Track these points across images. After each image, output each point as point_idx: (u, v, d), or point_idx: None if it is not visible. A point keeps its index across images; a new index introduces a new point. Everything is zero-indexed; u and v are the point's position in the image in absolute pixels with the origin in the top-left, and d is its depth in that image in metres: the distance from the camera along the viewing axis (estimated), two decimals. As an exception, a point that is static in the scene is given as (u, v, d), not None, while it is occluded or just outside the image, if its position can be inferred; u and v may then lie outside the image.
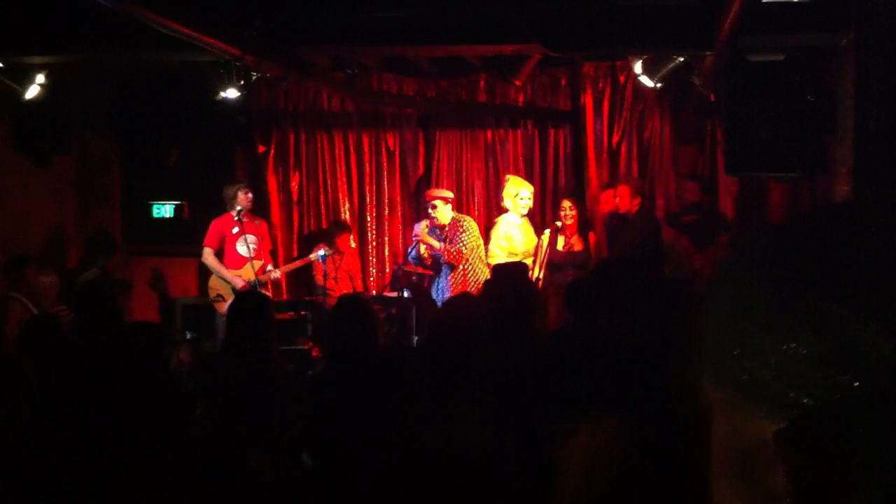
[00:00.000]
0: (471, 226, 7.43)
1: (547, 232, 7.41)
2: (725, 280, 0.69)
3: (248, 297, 5.54)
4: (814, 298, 0.63)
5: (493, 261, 7.21)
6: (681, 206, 7.99)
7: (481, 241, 7.52)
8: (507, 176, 7.78)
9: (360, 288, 8.41)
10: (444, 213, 7.42)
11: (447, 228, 7.41)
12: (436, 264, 7.54)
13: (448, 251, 7.28)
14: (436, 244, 7.34)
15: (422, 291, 7.46)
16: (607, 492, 1.73)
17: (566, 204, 7.63)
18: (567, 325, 4.11)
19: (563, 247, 7.49)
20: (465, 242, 7.28)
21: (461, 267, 7.33)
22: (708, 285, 0.71)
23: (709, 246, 7.28)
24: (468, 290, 7.11)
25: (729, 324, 0.67)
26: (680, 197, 8.18)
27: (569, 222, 7.51)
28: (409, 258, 7.66)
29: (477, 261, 7.33)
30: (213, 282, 7.64)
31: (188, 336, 6.00)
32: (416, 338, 7.17)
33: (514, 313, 4.03)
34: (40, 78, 7.12)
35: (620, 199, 7.43)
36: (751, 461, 0.66)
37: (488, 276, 7.16)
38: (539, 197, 8.67)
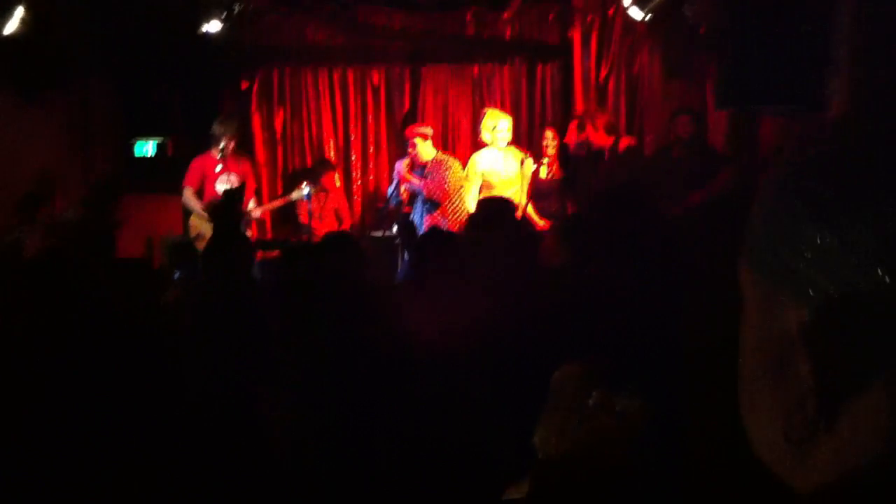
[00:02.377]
0: (454, 165, 7.29)
1: (530, 162, 7.34)
2: (782, 174, 0.69)
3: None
4: (872, 192, 0.62)
5: (468, 195, 7.18)
6: (671, 141, 7.89)
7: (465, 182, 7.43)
8: (485, 109, 7.65)
9: (347, 227, 8.33)
10: (424, 150, 7.26)
11: (429, 166, 7.24)
12: (412, 202, 7.42)
13: (428, 187, 7.14)
14: (415, 181, 7.23)
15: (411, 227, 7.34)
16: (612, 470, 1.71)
17: (548, 133, 7.61)
18: (566, 265, 4.04)
19: (547, 175, 7.49)
20: (447, 180, 7.15)
21: (445, 205, 7.22)
22: (764, 182, 0.71)
23: (706, 181, 7.17)
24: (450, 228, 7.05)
25: (774, 212, 0.68)
26: (671, 131, 8.08)
27: (551, 151, 7.50)
28: (389, 198, 7.51)
29: (458, 200, 7.25)
30: (194, 220, 7.59)
31: (176, 275, 5.93)
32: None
33: (513, 248, 3.98)
34: (19, 11, 6.90)
35: (590, 136, 7.30)
36: (783, 352, 0.66)
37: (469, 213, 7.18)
38: (527, 132, 8.59)
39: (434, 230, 5.16)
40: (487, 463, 2.38)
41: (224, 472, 2.55)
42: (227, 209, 4.38)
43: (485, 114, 7.47)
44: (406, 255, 6.96)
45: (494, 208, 4.84)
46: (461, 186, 7.25)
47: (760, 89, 5.85)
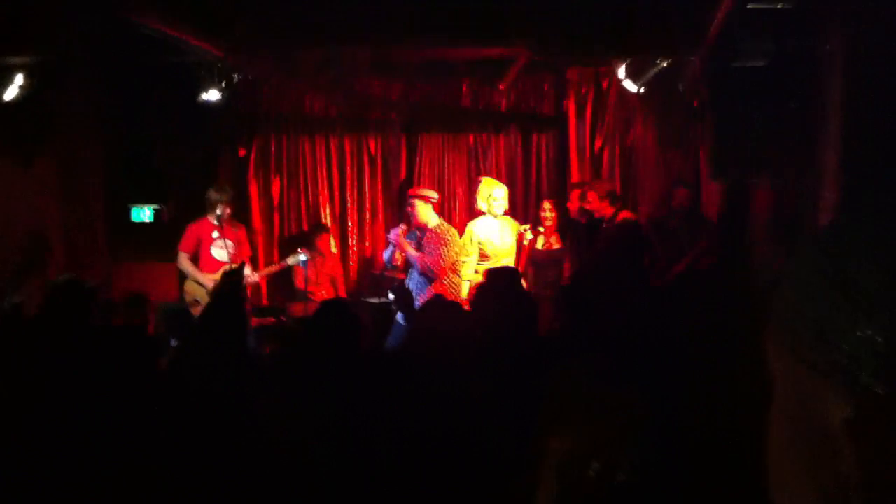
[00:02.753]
0: (452, 238, 7.10)
1: (528, 233, 7.36)
2: (821, 254, 0.66)
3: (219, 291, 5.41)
4: None
5: (465, 266, 7.13)
6: (668, 211, 7.97)
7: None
8: (481, 178, 7.68)
9: (342, 292, 8.34)
10: (423, 212, 7.05)
11: (427, 236, 7.08)
12: (407, 269, 7.34)
13: (423, 261, 6.97)
14: (412, 252, 7.06)
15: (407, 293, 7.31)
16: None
17: (546, 205, 7.64)
18: (564, 328, 4.05)
19: (543, 246, 7.53)
20: (444, 256, 7.00)
21: (441, 279, 7.14)
22: (798, 259, 0.69)
23: (690, 251, 7.26)
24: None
25: (810, 298, 0.65)
26: (668, 202, 8.15)
27: (548, 223, 7.53)
28: (385, 263, 7.43)
29: (454, 275, 7.16)
30: (189, 286, 7.58)
31: (173, 343, 5.92)
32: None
33: (515, 318, 3.98)
34: (19, 79, 7.01)
35: (591, 205, 7.38)
36: (823, 446, 0.64)
37: (465, 289, 7.16)
38: (522, 202, 8.66)
39: (439, 298, 5.14)
40: (489, 467, 2.37)
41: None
42: (226, 287, 4.41)
43: (480, 182, 7.51)
44: (401, 319, 6.94)
45: (503, 279, 4.86)
46: (457, 261, 7.15)
47: (751, 161, 5.94)
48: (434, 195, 7.25)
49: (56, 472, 2.79)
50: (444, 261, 6.98)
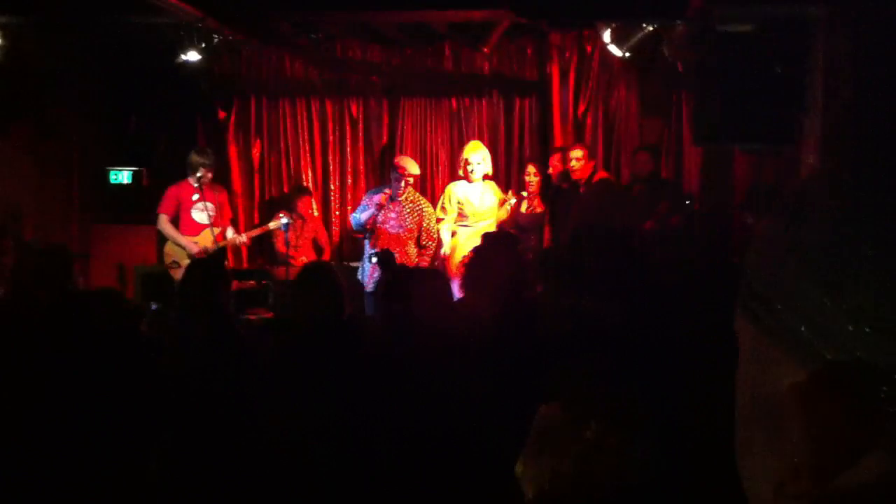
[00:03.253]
0: (430, 209, 7.33)
1: (512, 198, 7.43)
2: (779, 219, 0.66)
3: (200, 263, 5.36)
4: (872, 250, 0.59)
5: (442, 225, 7.23)
6: (631, 177, 7.99)
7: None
8: (466, 145, 7.70)
9: (327, 256, 8.30)
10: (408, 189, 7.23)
11: (406, 204, 7.18)
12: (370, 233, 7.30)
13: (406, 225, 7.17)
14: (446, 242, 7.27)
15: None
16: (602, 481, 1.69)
17: (531, 169, 7.68)
18: (541, 295, 4.05)
19: (527, 210, 7.53)
20: (426, 220, 7.24)
21: (426, 245, 7.26)
22: (762, 226, 0.69)
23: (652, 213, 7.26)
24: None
25: (770, 265, 0.64)
26: (630, 168, 8.16)
27: (532, 188, 7.54)
28: (356, 220, 7.27)
29: (434, 241, 7.31)
30: (169, 248, 7.54)
31: (153, 307, 5.88)
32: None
33: (514, 283, 3.98)
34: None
35: (579, 161, 7.38)
36: (778, 412, 0.63)
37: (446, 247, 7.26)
38: (504, 166, 8.63)
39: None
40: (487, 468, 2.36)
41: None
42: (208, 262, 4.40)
43: (465, 147, 7.54)
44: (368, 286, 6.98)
45: (498, 241, 4.85)
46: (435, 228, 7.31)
47: (735, 127, 5.92)
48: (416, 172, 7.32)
49: (38, 442, 2.76)
50: (429, 226, 7.23)
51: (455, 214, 7.33)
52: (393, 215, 7.12)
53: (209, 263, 4.67)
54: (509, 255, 4.27)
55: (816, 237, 0.61)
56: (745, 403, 0.68)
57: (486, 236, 5.07)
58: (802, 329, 0.60)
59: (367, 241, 7.23)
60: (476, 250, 4.41)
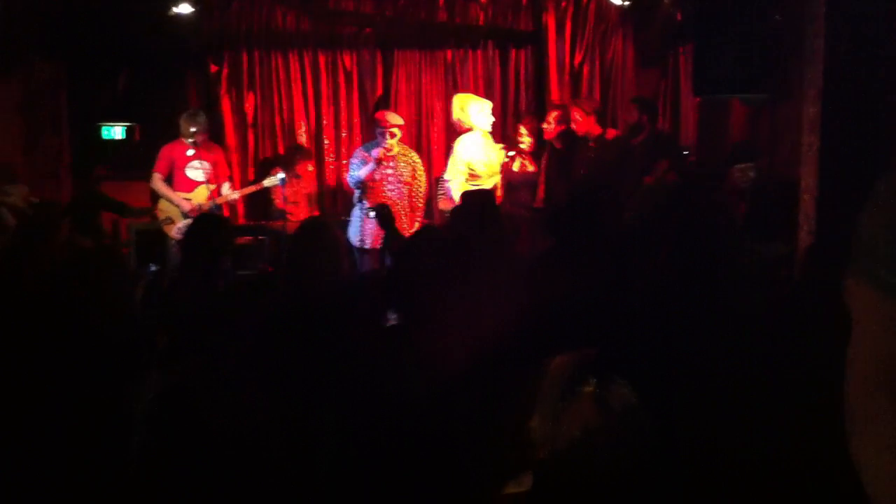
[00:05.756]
0: (421, 170, 7.33)
1: (503, 154, 7.39)
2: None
3: (202, 220, 5.29)
4: None
5: (455, 184, 7.11)
6: (625, 129, 7.91)
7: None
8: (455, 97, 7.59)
9: (318, 211, 8.27)
10: (397, 144, 7.16)
11: (400, 159, 7.15)
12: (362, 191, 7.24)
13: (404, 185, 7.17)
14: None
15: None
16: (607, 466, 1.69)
17: (523, 129, 7.54)
18: (549, 255, 4.02)
19: (519, 168, 7.48)
20: (418, 179, 7.24)
21: (415, 203, 7.24)
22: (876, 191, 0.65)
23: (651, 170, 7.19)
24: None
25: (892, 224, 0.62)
26: (625, 120, 8.08)
27: (524, 147, 7.45)
28: (354, 178, 7.16)
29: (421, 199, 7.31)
30: (163, 204, 7.51)
31: (152, 269, 5.85)
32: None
33: (488, 238, 3.97)
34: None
35: (578, 122, 7.27)
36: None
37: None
38: (500, 118, 8.55)
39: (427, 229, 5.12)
40: (459, 455, 2.35)
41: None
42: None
43: (463, 99, 7.43)
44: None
45: (478, 202, 4.82)
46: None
47: (734, 78, 5.88)
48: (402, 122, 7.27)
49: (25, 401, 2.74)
50: (420, 185, 7.26)
51: (466, 175, 7.20)
52: (390, 171, 7.07)
53: (212, 223, 4.60)
54: (492, 218, 4.26)
55: None
56: (867, 372, 0.65)
57: (465, 196, 5.07)
58: None
59: (359, 199, 7.14)
60: (454, 212, 4.39)
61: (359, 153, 7.24)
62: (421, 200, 7.24)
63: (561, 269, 3.48)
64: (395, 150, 7.08)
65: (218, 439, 1.74)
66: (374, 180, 7.04)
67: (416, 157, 7.30)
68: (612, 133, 7.34)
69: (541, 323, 2.85)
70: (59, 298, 3.31)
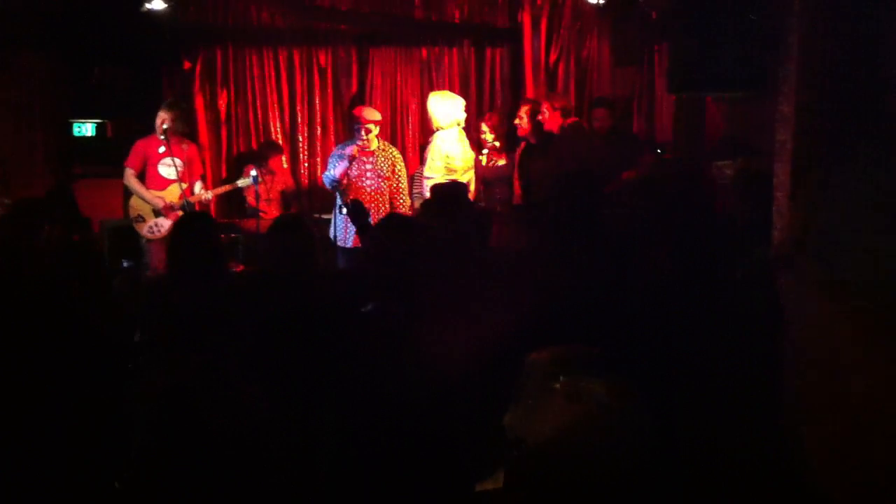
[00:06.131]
0: (401, 165, 7.23)
1: (485, 151, 7.41)
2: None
3: (196, 217, 5.20)
4: None
5: (430, 183, 7.06)
6: (589, 132, 7.89)
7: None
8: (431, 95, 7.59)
9: (295, 207, 8.20)
10: (374, 139, 7.11)
11: (379, 154, 7.08)
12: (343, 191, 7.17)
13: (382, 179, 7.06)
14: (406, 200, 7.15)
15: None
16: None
17: (484, 126, 7.56)
18: (530, 250, 3.99)
19: (487, 163, 7.48)
20: (398, 174, 7.14)
21: (396, 198, 7.15)
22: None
23: (632, 167, 7.19)
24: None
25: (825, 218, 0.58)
26: (590, 125, 8.06)
27: (489, 145, 7.49)
28: (329, 178, 7.09)
29: (405, 194, 7.22)
30: (134, 201, 7.41)
31: (125, 264, 5.78)
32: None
33: (458, 230, 3.94)
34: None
35: (544, 115, 7.30)
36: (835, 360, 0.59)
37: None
38: (475, 117, 8.53)
39: (393, 216, 5.06)
40: (457, 454, 2.33)
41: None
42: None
43: (441, 98, 7.44)
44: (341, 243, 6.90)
45: (449, 193, 4.79)
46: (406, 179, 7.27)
47: (710, 75, 5.87)
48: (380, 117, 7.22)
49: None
50: (400, 179, 7.18)
51: (444, 171, 7.18)
52: (369, 166, 7.00)
53: (203, 221, 4.52)
54: (463, 209, 4.24)
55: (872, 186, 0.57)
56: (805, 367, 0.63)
57: (435, 189, 5.05)
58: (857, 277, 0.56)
59: (339, 198, 7.05)
60: (425, 205, 4.36)
61: (336, 151, 7.19)
62: (404, 196, 7.15)
63: (549, 266, 3.46)
64: (375, 144, 7.03)
65: (218, 439, 1.70)
66: (351, 176, 6.97)
67: (395, 152, 7.23)
68: (569, 121, 7.37)
69: (531, 320, 2.82)
70: (56, 294, 3.27)
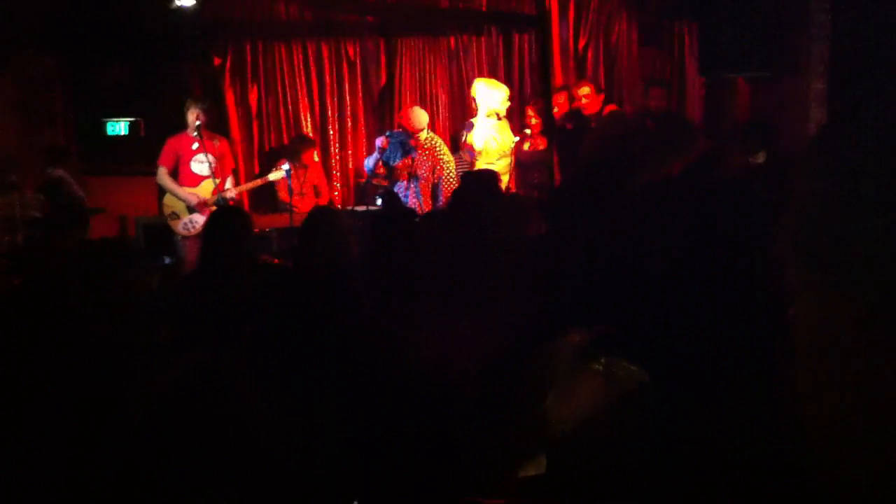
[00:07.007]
0: (449, 158, 7.37)
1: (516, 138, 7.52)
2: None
3: (225, 213, 5.21)
4: None
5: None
6: (645, 111, 7.87)
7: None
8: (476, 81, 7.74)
9: (324, 201, 8.24)
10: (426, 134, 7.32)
11: (424, 150, 7.25)
12: (391, 177, 7.34)
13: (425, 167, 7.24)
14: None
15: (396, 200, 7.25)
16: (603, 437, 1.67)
17: (530, 112, 7.66)
18: (548, 233, 4.00)
19: (529, 148, 7.52)
20: (443, 160, 7.28)
21: (443, 183, 7.26)
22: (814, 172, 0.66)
23: (683, 156, 7.17)
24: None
25: (826, 205, 0.64)
26: (645, 103, 8.04)
27: (532, 127, 7.60)
28: (366, 167, 7.41)
29: (452, 177, 7.32)
30: (168, 199, 7.45)
31: (167, 261, 5.83)
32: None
33: (486, 220, 3.94)
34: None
35: (587, 97, 7.37)
36: (843, 345, 0.62)
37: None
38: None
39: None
40: (457, 455, 2.33)
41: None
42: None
43: (485, 84, 7.59)
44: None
45: (478, 182, 4.79)
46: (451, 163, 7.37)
47: (739, 56, 5.83)
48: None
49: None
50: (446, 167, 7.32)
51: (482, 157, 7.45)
52: (420, 160, 7.26)
53: (235, 216, 4.54)
54: (494, 197, 4.24)
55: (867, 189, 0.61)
56: (808, 342, 0.66)
57: (464, 177, 5.07)
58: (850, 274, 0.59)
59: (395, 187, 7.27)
60: (455, 194, 4.37)
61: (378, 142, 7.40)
62: (451, 180, 7.26)
63: (562, 252, 3.46)
64: (424, 135, 7.26)
65: (218, 439, 1.72)
66: (401, 167, 7.16)
67: (443, 153, 7.34)
68: (608, 109, 7.40)
69: (550, 305, 2.83)
70: (55, 294, 3.30)
